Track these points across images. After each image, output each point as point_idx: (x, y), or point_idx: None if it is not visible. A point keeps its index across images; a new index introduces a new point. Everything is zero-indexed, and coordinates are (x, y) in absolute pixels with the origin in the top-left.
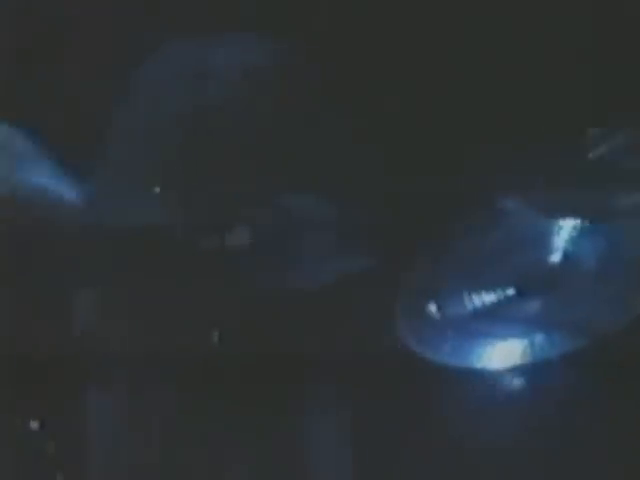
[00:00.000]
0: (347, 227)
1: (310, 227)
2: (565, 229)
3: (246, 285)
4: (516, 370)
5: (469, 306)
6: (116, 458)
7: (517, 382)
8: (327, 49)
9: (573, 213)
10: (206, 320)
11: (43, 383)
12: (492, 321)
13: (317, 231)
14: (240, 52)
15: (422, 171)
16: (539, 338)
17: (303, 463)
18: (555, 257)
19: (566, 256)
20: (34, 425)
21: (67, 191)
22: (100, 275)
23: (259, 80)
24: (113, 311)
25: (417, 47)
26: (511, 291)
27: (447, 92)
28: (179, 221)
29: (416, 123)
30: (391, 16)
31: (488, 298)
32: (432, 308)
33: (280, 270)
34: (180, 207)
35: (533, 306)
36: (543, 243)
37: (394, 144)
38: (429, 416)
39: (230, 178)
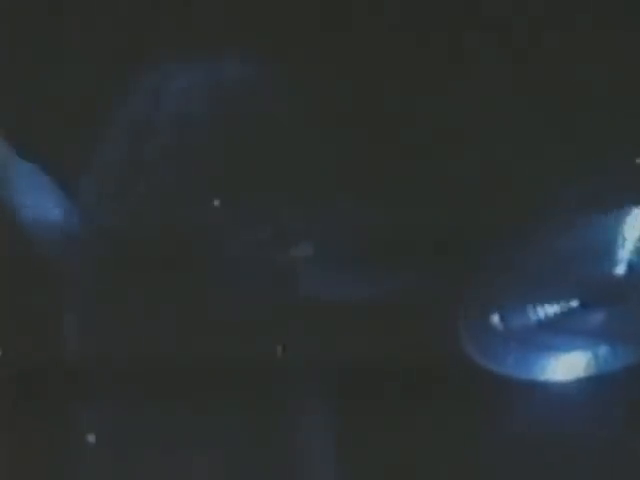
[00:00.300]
0: (410, 239)
1: (372, 239)
2: (629, 240)
3: (310, 297)
4: (580, 383)
5: (533, 318)
6: (176, 471)
7: (580, 395)
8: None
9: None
10: (270, 333)
11: (101, 397)
12: (556, 333)
13: (380, 243)
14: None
15: (486, 184)
16: (603, 350)
17: (366, 472)
18: (619, 269)
19: (630, 268)
20: (91, 438)
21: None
22: (162, 288)
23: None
24: (176, 325)
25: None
26: (575, 303)
27: (509, 105)
28: (242, 234)
29: (480, 140)
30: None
31: (552, 310)
32: (495, 320)
33: (344, 283)
34: (242, 219)
35: (597, 318)
36: (607, 255)
37: (457, 156)
38: (492, 428)
39: (290, 190)
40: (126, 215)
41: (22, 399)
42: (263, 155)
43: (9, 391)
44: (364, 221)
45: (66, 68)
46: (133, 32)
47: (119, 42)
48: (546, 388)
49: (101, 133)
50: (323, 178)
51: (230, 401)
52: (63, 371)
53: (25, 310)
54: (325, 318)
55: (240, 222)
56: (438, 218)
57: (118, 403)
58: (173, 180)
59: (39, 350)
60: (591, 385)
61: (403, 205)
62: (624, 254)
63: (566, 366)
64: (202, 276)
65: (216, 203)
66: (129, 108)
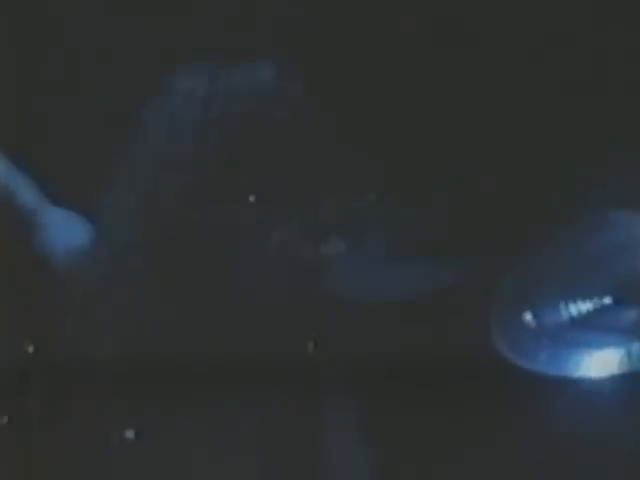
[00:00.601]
0: (443, 237)
1: (403, 238)
2: None
3: (341, 295)
4: (612, 380)
5: (565, 315)
6: (213, 466)
7: (613, 392)
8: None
9: None
10: (301, 329)
11: (139, 393)
12: (588, 330)
13: (410, 242)
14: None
15: (519, 181)
16: (636, 347)
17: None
18: None
19: None
20: (129, 434)
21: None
22: (193, 284)
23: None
24: (208, 321)
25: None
26: (608, 300)
27: (543, 99)
28: (274, 231)
29: (513, 136)
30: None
31: (584, 307)
32: (528, 317)
33: (375, 280)
34: (275, 217)
35: (630, 315)
36: None
37: (491, 153)
38: (524, 425)
39: (324, 189)
40: (156, 212)
41: (56, 395)
42: (295, 153)
43: (42, 387)
44: (394, 220)
45: (88, 77)
46: (161, 35)
47: (147, 46)
48: (579, 385)
49: (133, 133)
50: (354, 176)
51: (263, 398)
52: (95, 367)
53: (57, 306)
54: (356, 315)
55: (271, 219)
56: (470, 216)
57: (153, 399)
58: (206, 177)
59: (71, 346)
60: (624, 382)
61: (434, 203)
62: None
63: (599, 363)
64: (233, 272)
65: (251, 199)
66: (161, 108)
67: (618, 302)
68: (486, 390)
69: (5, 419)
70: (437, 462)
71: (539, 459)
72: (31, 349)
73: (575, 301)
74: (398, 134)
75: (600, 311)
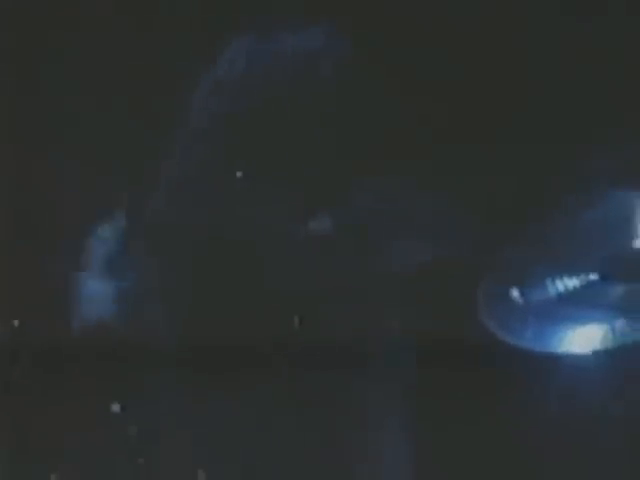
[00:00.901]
0: (430, 212)
1: (393, 212)
2: None
3: (328, 270)
4: (597, 355)
5: (552, 291)
6: (197, 442)
7: (598, 367)
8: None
9: None
10: (287, 305)
11: (125, 366)
12: (574, 306)
13: (400, 216)
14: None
15: (509, 157)
16: (620, 323)
17: (390, 450)
18: (639, 242)
19: None
20: (115, 408)
21: None
22: (183, 260)
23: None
24: (193, 297)
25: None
26: (594, 276)
27: (536, 78)
28: (262, 207)
29: (507, 109)
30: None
31: (571, 283)
32: (514, 293)
33: (362, 255)
34: (262, 194)
35: (616, 291)
36: (627, 229)
37: (482, 129)
38: (510, 401)
39: (311, 164)
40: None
41: (42, 369)
42: (285, 129)
43: (28, 361)
44: (384, 196)
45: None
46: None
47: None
48: (564, 361)
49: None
50: (344, 152)
51: (248, 373)
52: (82, 341)
53: (41, 280)
54: (342, 292)
55: (259, 194)
56: (460, 197)
57: (139, 373)
58: (196, 152)
59: (55, 320)
60: (608, 358)
61: (424, 184)
62: None
63: (584, 339)
64: (219, 247)
65: (239, 175)
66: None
67: (604, 278)
68: (473, 366)
69: None
70: (427, 436)
71: (526, 433)
72: (16, 323)
73: (561, 277)
74: (400, 112)
75: (586, 287)
